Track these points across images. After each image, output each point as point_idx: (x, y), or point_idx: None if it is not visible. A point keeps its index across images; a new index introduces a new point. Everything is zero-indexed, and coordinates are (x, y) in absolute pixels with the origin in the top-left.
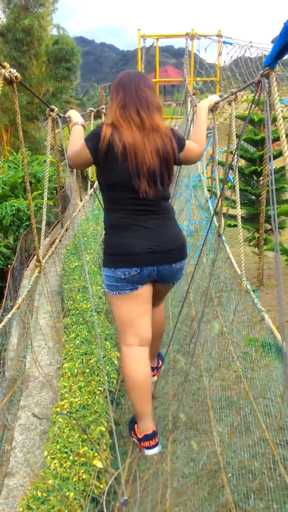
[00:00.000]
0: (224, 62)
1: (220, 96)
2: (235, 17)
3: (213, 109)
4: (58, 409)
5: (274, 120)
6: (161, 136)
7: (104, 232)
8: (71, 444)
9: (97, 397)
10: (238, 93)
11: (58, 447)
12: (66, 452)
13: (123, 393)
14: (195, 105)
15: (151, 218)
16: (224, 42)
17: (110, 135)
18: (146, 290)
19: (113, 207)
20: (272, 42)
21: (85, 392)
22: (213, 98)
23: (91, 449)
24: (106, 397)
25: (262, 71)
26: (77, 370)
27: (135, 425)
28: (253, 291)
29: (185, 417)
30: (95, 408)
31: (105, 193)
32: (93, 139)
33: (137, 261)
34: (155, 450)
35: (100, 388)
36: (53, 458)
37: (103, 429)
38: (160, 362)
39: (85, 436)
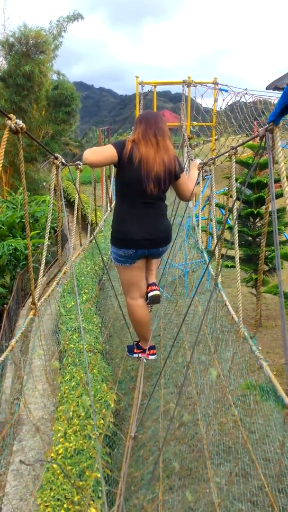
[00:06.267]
0: (220, 108)
1: (216, 139)
2: (231, 64)
3: (199, 167)
4: (52, 454)
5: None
6: (169, 155)
7: (113, 219)
8: (65, 491)
9: (92, 442)
10: (236, 139)
11: (52, 494)
12: (59, 500)
13: (119, 438)
14: (191, 158)
15: (150, 211)
16: (220, 89)
17: (131, 147)
18: (140, 263)
19: (124, 199)
20: (266, 89)
21: (80, 437)
22: (198, 161)
23: (86, 497)
24: (102, 441)
25: (267, 126)
26: (72, 413)
27: (134, 347)
28: (251, 338)
29: (178, 465)
30: (90, 454)
31: (121, 189)
32: (120, 145)
33: (134, 245)
34: (155, 357)
35: (96, 433)
36: (47, 506)
37: (99, 475)
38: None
39: (80, 483)
